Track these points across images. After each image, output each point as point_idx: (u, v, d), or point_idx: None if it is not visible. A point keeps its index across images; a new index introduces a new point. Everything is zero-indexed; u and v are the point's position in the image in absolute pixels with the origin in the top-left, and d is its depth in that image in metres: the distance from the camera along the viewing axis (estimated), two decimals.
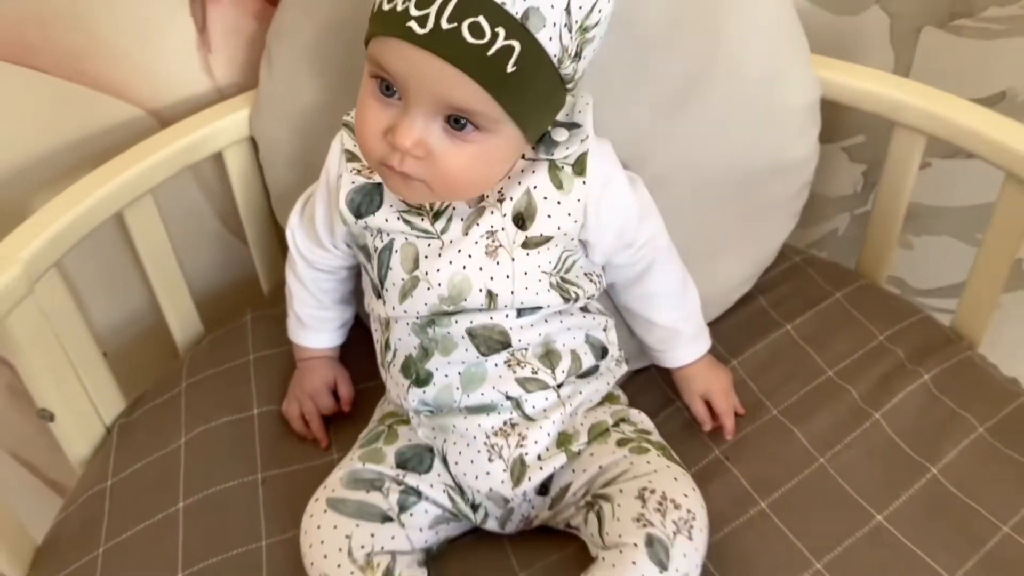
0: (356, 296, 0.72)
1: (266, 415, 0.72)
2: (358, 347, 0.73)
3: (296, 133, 0.71)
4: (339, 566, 0.57)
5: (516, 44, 0.50)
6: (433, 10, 0.49)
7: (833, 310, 0.76)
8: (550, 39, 0.51)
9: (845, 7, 0.83)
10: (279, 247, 0.83)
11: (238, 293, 0.86)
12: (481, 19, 0.49)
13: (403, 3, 0.50)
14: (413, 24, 0.49)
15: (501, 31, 0.49)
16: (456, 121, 0.52)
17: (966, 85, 0.88)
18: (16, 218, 0.68)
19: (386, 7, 0.51)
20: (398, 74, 0.51)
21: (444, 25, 0.49)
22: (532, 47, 0.51)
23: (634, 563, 0.53)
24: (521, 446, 0.61)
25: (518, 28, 0.50)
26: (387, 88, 0.52)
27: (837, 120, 0.88)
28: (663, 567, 0.53)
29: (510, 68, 0.50)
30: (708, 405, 0.68)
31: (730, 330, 0.75)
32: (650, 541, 0.54)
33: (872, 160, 0.94)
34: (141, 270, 0.75)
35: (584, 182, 0.58)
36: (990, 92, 0.88)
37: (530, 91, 0.53)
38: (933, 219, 0.97)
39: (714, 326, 0.75)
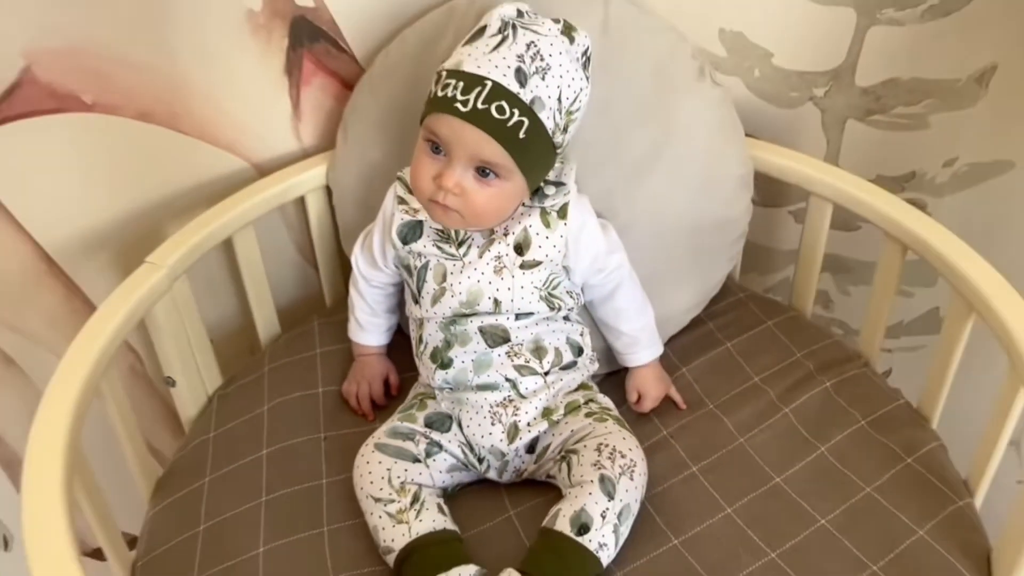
0: (399, 309, 0.96)
1: (328, 393, 0.95)
2: (398, 352, 0.97)
3: (362, 184, 0.96)
4: (381, 489, 0.79)
5: (525, 120, 0.76)
6: (472, 96, 0.74)
7: (764, 334, 0.98)
8: (547, 118, 0.77)
9: (785, 102, 1.06)
10: (340, 270, 1.07)
11: (307, 304, 1.10)
12: (503, 103, 0.75)
13: (452, 92, 0.75)
14: (458, 105, 0.75)
15: (516, 111, 0.75)
16: (483, 171, 0.77)
17: (884, 166, 1.11)
18: (155, 239, 0.93)
19: (439, 94, 0.76)
20: (446, 138, 0.76)
21: (479, 106, 0.74)
22: (535, 122, 0.76)
23: (590, 494, 0.76)
24: (515, 415, 0.83)
25: (527, 110, 0.75)
26: (436, 148, 0.78)
27: (784, 190, 1.11)
28: (611, 497, 0.75)
29: (521, 135, 0.76)
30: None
31: (683, 345, 0.98)
32: (602, 479, 0.76)
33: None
34: (239, 281, 0.99)
35: (565, 224, 0.82)
36: (904, 172, 1.10)
37: (533, 152, 0.78)
38: (865, 272, 1.20)
39: (671, 341, 0.98)
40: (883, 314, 0.93)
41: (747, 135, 0.98)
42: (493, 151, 0.76)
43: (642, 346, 0.92)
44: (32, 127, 0.85)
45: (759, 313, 1.01)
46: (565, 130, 0.80)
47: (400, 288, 0.94)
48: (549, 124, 0.77)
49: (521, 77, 0.75)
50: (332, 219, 1.03)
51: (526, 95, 0.75)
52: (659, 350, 0.92)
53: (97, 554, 1.12)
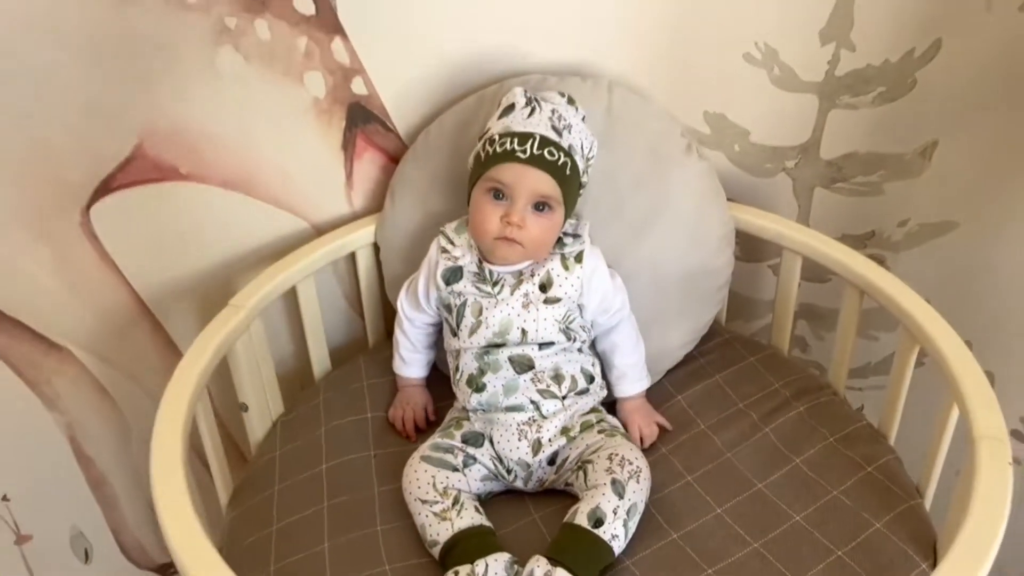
0: (435, 347, 1.13)
1: (375, 417, 1.11)
2: (434, 386, 1.14)
3: (406, 241, 1.14)
4: (427, 493, 0.94)
5: (568, 160, 0.97)
6: (527, 146, 0.95)
7: (747, 368, 1.15)
8: (579, 159, 0.99)
9: (761, 172, 1.25)
10: (382, 316, 1.24)
11: (351, 345, 1.27)
12: (552, 148, 0.96)
13: (511, 146, 0.96)
14: (519, 154, 0.95)
15: (561, 154, 0.96)
16: (538, 207, 0.97)
17: (848, 227, 1.29)
18: (228, 287, 1.11)
19: (499, 150, 0.96)
20: (510, 181, 0.96)
21: (535, 152, 0.95)
22: (573, 163, 0.98)
23: (604, 494, 0.91)
24: (539, 432, 1.00)
25: (567, 153, 0.97)
26: (497, 195, 0.97)
27: (763, 247, 1.29)
28: (621, 496, 0.91)
29: (567, 172, 0.97)
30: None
31: (678, 377, 1.15)
32: (614, 482, 0.92)
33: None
34: (295, 325, 1.16)
35: (581, 267, 1.00)
36: (865, 231, 1.29)
37: (571, 186, 0.99)
38: (835, 319, 1.37)
39: (668, 374, 1.14)
40: (847, 350, 1.10)
41: (729, 199, 1.16)
42: (549, 185, 0.96)
43: (629, 380, 1.08)
44: (138, 193, 1.03)
45: (743, 351, 1.18)
46: (586, 172, 1.02)
47: (438, 328, 1.11)
48: (581, 165, 0.99)
49: (556, 131, 0.97)
50: (378, 272, 1.20)
51: (564, 143, 0.97)
52: (644, 385, 1.09)
53: (162, 569, 1.27)
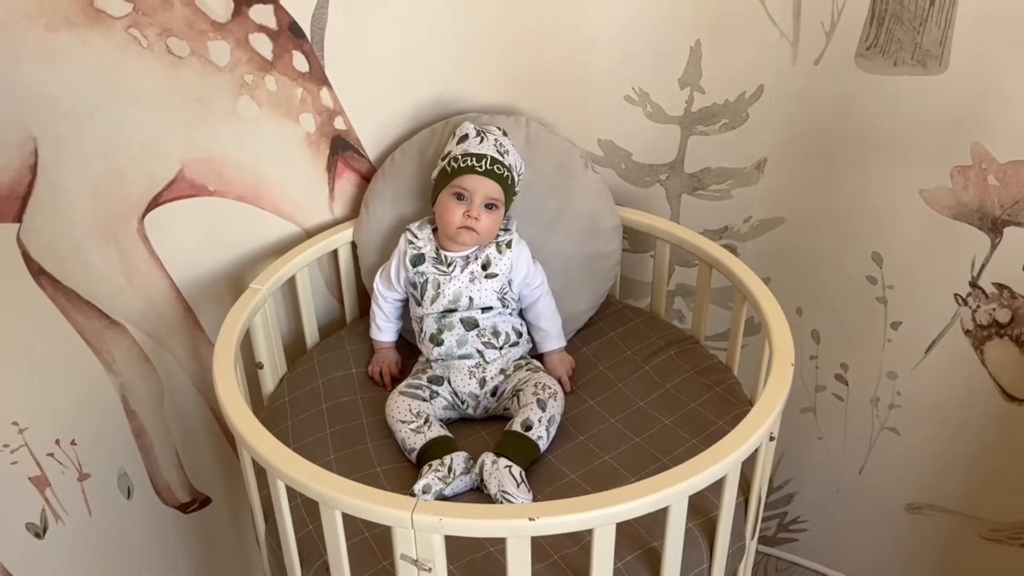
0: (403, 318, 1.50)
1: (359, 373, 1.47)
2: (402, 349, 1.51)
3: (378, 240, 1.50)
4: (405, 416, 1.31)
5: (509, 175, 1.36)
6: (483, 163, 1.34)
7: (634, 327, 1.54)
8: (516, 175, 1.38)
9: (642, 184, 1.65)
10: (357, 299, 1.60)
11: (331, 323, 1.63)
12: (499, 165, 1.35)
13: (471, 163, 1.33)
14: (477, 168, 1.33)
15: (505, 170, 1.35)
16: (488, 206, 1.34)
17: (708, 223, 1.70)
18: (241, 279, 1.46)
19: (462, 165, 1.34)
20: (471, 187, 1.33)
21: (488, 167, 1.34)
22: (512, 177, 1.37)
23: (531, 408, 1.29)
24: (484, 373, 1.37)
25: (509, 169, 1.36)
26: (460, 197, 1.34)
27: (644, 240, 1.70)
28: (543, 409, 1.29)
29: (508, 182, 1.36)
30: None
31: (584, 335, 1.54)
32: (538, 401, 1.30)
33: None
34: (293, 305, 1.52)
35: (511, 252, 1.39)
36: (720, 226, 1.70)
37: (510, 192, 1.37)
38: None
39: (577, 334, 1.54)
40: (703, 310, 1.51)
41: (618, 204, 1.56)
42: (497, 191, 1.35)
43: (551, 338, 1.47)
44: (179, 206, 1.37)
45: (631, 315, 1.58)
46: (518, 183, 1.41)
47: (404, 303, 1.48)
48: (517, 178, 1.38)
49: (500, 154, 1.35)
50: (354, 264, 1.56)
51: (506, 162, 1.36)
52: (562, 343, 1.48)
53: (183, 507, 1.60)
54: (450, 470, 1.21)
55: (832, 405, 1.83)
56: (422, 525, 0.96)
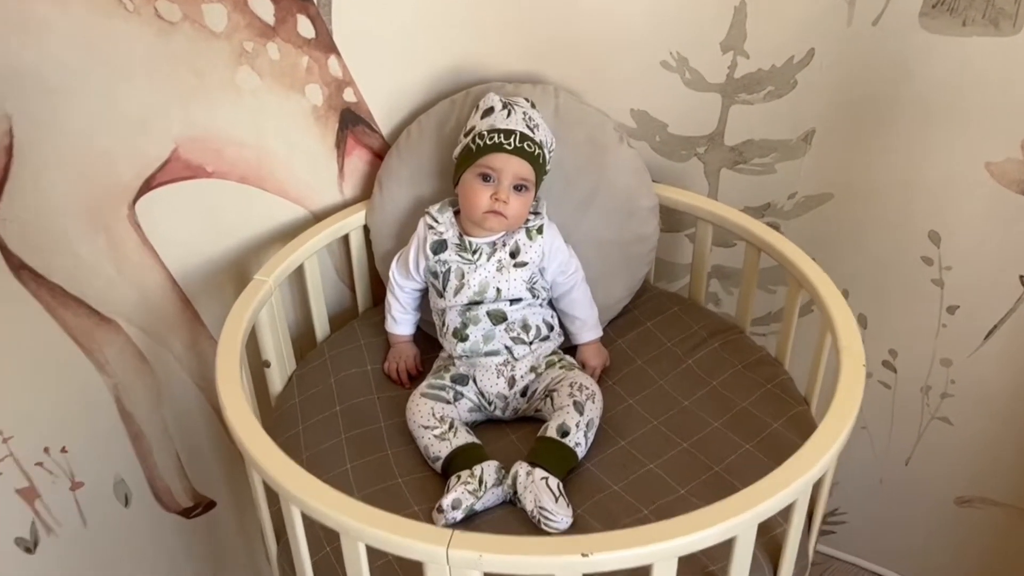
0: (422, 309, 1.37)
1: (375, 370, 1.35)
2: (422, 343, 1.38)
3: (393, 223, 1.37)
4: (428, 420, 1.19)
5: (541, 152, 1.23)
6: (512, 140, 1.21)
7: (672, 316, 1.42)
8: (547, 152, 1.25)
9: (679, 158, 1.52)
10: (371, 287, 1.47)
11: (342, 312, 1.50)
12: (530, 142, 1.22)
13: (498, 140, 1.21)
14: (506, 145, 1.21)
15: (536, 147, 1.22)
16: (518, 187, 1.22)
17: (749, 200, 1.58)
18: (244, 268, 1.33)
19: (488, 143, 1.21)
20: (499, 167, 1.21)
21: (518, 145, 1.21)
22: (543, 154, 1.24)
23: (568, 412, 1.17)
24: (513, 371, 1.25)
25: (540, 146, 1.23)
26: (486, 178, 1.21)
27: (680, 219, 1.57)
28: (581, 413, 1.17)
29: (540, 160, 1.23)
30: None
31: (618, 325, 1.42)
32: (575, 403, 1.18)
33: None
34: (301, 295, 1.39)
35: (542, 238, 1.26)
36: (762, 203, 1.57)
37: (540, 172, 1.25)
38: (741, 277, 1.66)
39: (611, 323, 1.41)
40: (750, 297, 1.39)
41: (653, 180, 1.43)
42: (527, 170, 1.22)
43: (588, 328, 1.35)
44: (175, 189, 1.23)
45: (668, 303, 1.45)
46: (549, 161, 1.28)
47: (423, 293, 1.35)
48: (548, 156, 1.25)
49: (530, 129, 1.22)
50: (367, 250, 1.43)
51: (537, 137, 1.23)
52: (599, 333, 1.35)
53: (185, 512, 1.49)
54: (481, 482, 1.10)
55: (878, 393, 1.71)
56: (459, 561, 0.84)
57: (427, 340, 1.38)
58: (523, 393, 1.26)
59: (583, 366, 1.32)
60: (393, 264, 1.34)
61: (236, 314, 1.15)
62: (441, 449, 1.16)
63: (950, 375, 1.60)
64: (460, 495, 1.07)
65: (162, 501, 1.45)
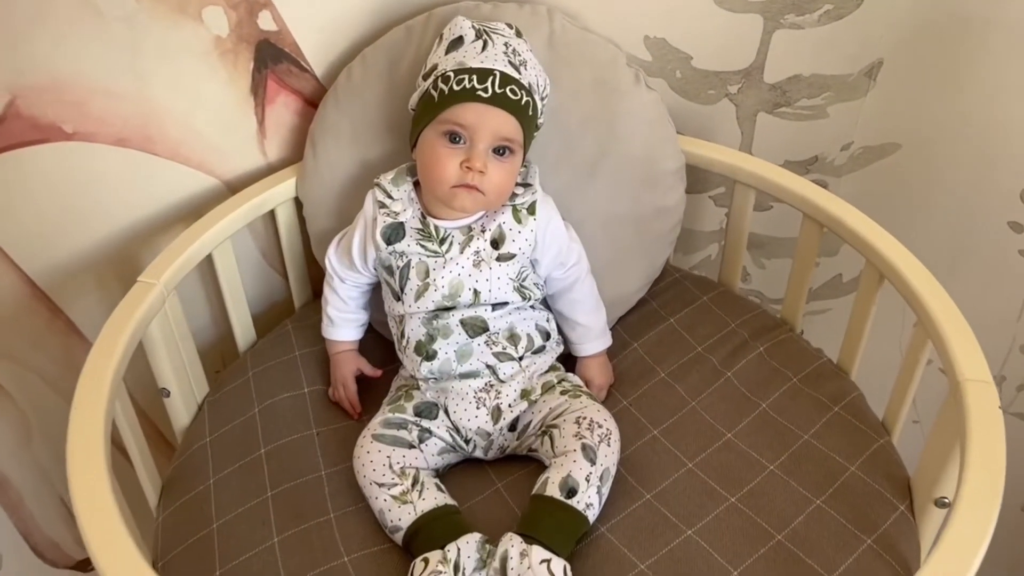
0: (371, 307, 1.03)
1: (313, 392, 1.02)
2: (375, 350, 1.05)
3: (333, 195, 1.03)
4: (384, 475, 0.87)
5: (529, 100, 0.88)
6: (488, 84, 0.86)
7: (701, 308, 1.10)
8: (538, 99, 0.90)
9: (704, 99, 1.18)
10: (308, 277, 1.13)
11: (275, 310, 1.16)
12: (514, 87, 0.87)
13: (469, 84, 0.86)
14: (480, 92, 0.86)
15: (523, 93, 0.88)
16: (499, 151, 0.88)
17: (791, 152, 1.25)
18: (133, 259, 0.98)
19: (456, 88, 0.86)
20: (471, 123, 0.86)
21: (498, 90, 0.86)
22: (533, 102, 0.89)
23: (575, 461, 0.85)
24: (498, 398, 0.92)
25: (528, 91, 0.88)
26: (453, 138, 0.87)
27: (704, 177, 1.24)
28: (592, 462, 0.85)
29: (529, 112, 0.88)
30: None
31: (632, 323, 1.09)
32: (584, 448, 0.86)
33: (729, 204, 1.30)
34: (212, 293, 1.04)
35: (535, 219, 0.92)
36: (808, 156, 1.25)
37: (530, 128, 0.90)
38: (777, 247, 1.34)
39: (622, 320, 1.09)
40: (804, 284, 1.06)
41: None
42: (513, 128, 0.88)
43: (593, 336, 1.02)
44: (17, 158, 0.88)
45: (695, 290, 1.13)
46: (542, 112, 0.94)
47: (373, 288, 1.01)
48: (539, 104, 0.91)
49: (514, 68, 0.88)
50: (300, 229, 1.09)
51: (524, 80, 0.88)
52: (607, 343, 1.03)
53: (81, 566, 1.16)
54: (457, 569, 0.78)
55: (937, 383, 1.40)
56: None
57: (386, 347, 1.04)
58: (512, 427, 0.94)
59: (586, 384, 1.00)
60: (331, 248, 0.99)
61: (103, 347, 0.81)
62: (402, 516, 0.84)
63: None
64: None
65: (46, 557, 1.12)
